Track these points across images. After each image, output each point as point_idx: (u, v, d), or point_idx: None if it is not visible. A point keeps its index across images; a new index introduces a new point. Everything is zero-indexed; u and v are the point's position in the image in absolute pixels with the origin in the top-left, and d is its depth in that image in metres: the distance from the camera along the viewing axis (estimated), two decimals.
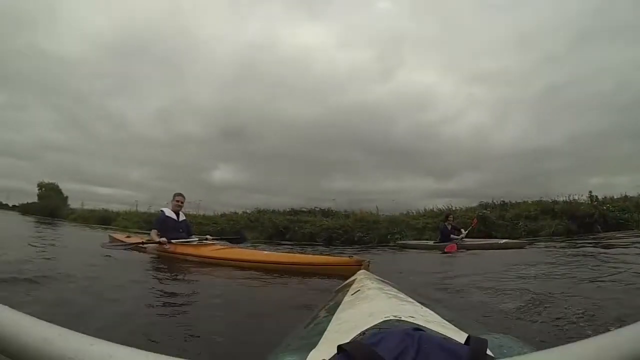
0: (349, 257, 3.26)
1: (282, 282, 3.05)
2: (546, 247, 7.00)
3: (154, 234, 4.88)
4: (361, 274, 1.64)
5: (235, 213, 16.07)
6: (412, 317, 0.65)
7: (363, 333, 0.58)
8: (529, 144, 25.03)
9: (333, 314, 0.87)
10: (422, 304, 0.87)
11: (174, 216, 4.96)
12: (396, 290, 1.14)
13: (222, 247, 4.62)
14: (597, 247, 5.73)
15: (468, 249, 7.38)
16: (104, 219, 18.41)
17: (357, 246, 9.85)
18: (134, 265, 4.08)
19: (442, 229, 8.67)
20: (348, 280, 1.57)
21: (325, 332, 0.71)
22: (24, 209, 30.47)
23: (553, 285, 2.69)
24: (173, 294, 2.46)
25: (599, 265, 3.68)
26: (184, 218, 5.12)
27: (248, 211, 15.74)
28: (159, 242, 4.65)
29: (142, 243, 4.95)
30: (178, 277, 3.28)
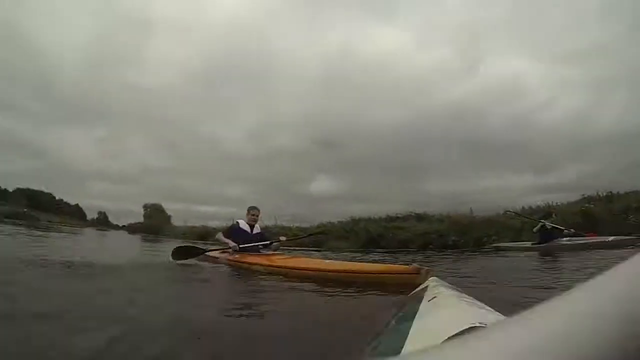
0: (408, 264, 3.08)
1: (343, 291, 2.90)
2: None
3: (221, 236, 5.06)
4: (433, 281, 1.61)
5: (331, 223, 16.29)
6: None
7: (449, 340, 0.55)
8: (633, 124, 21.49)
9: (412, 321, 0.86)
10: (498, 311, 0.85)
11: (247, 229, 5.10)
12: (471, 298, 1.12)
13: (288, 256, 4.54)
14: None
15: (569, 250, 7.02)
16: (202, 235, 19.33)
17: (450, 251, 9.69)
18: (200, 274, 4.07)
19: (539, 230, 8.32)
20: (420, 288, 1.56)
21: (407, 339, 0.70)
22: (132, 229, 34.18)
23: None
24: (232, 306, 2.33)
25: None
26: (259, 231, 5.23)
27: (343, 220, 15.99)
28: (227, 244, 4.83)
29: (208, 250, 5.08)
30: (241, 287, 3.35)
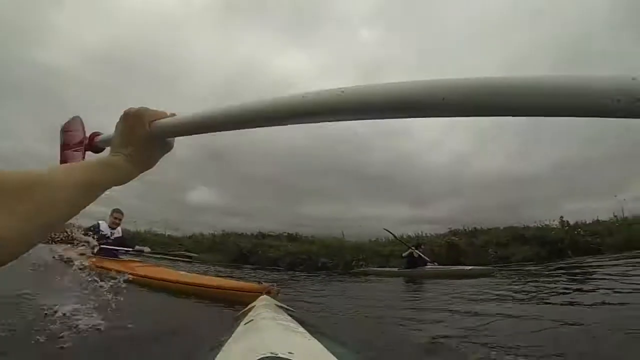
0: (259, 282, 3.23)
1: (195, 303, 3.11)
2: (515, 273, 6.75)
3: (79, 234, 4.58)
4: (261, 300, 1.56)
5: (202, 235, 15.82)
6: (292, 352, 0.63)
7: None
8: (510, 170, 24.96)
9: (221, 347, 0.84)
10: (314, 334, 0.87)
11: (108, 231, 4.99)
12: (291, 319, 1.13)
13: (146, 265, 4.61)
14: (560, 276, 5.62)
15: (432, 278, 7.05)
16: (67, 240, 17.38)
17: (318, 272, 9.53)
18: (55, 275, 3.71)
19: (408, 256, 8.44)
20: (247, 308, 1.50)
21: None
22: None
23: (485, 318, 2.62)
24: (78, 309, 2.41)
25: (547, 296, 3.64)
26: (120, 235, 5.17)
27: (215, 233, 15.51)
28: (87, 241, 4.31)
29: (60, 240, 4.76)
30: (93, 292, 3.12)
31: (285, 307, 1.51)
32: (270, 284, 3.12)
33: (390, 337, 2.28)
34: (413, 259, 8.29)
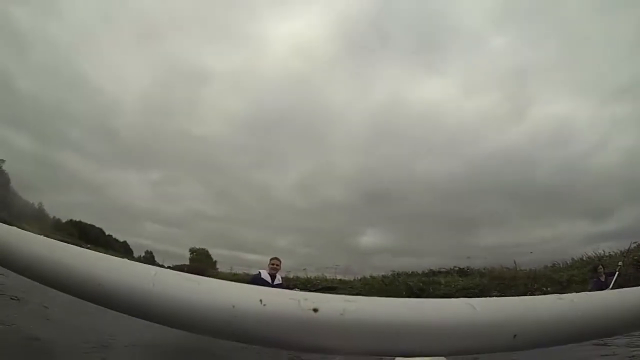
0: None
1: None
2: None
3: None
4: None
5: (372, 277, 15.80)
6: None
7: None
8: None
9: None
10: None
11: (268, 279, 5.28)
12: None
13: None
14: None
15: None
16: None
17: None
18: None
19: (592, 284, 7.63)
20: None
21: None
22: (176, 270, 36.12)
23: None
24: None
25: None
26: (280, 282, 5.48)
27: (385, 275, 15.61)
28: None
29: None
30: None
31: None
32: None
33: None
34: (598, 284, 7.35)
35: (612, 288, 6.72)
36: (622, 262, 7.42)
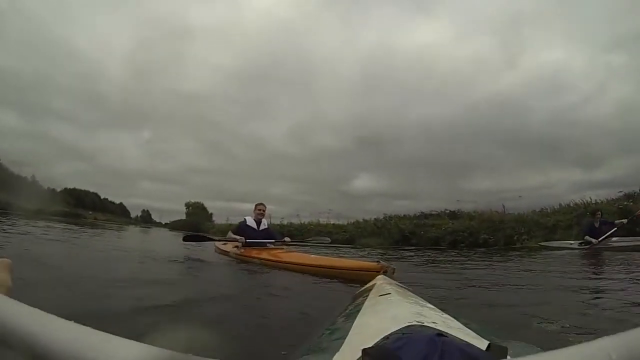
0: (377, 262, 3.30)
1: (321, 283, 3.33)
2: None
3: (230, 234, 5.43)
4: (380, 279, 1.63)
5: (365, 220, 16.32)
6: (435, 322, 0.67)
7: (386, 338, 0.58)
8: None
9: (354, 319, 0.88)
10: (443, 310, 0.88)
11: (254, 225, 5.38)
12: (417, 297, 1.16)
13: (284, 251, 5.01)
14: None
15: (614, 251, 6.51)
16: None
17: (480, 249, 9.45)
18: (204, 263, 4.80)
19: (585, 225, 7.83)
20: (367, 285, 1.58)
21: (348, 336, 0.72)
22: (173, 226, 34.04)
23: None
24: (210, 291, 2.84)
25: None
26: (266, 227, 5.51)
27: (377, 217, 15.99)
28: (235, 239, 5.19)
29: (219, 240, 5.94)
30: (231, 276, 3.96)
31: (404, 286, 1.55)
32: (387, 263, 3.30)
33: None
34: (592, 227, 7.63)
35: (605, 238, 6.83)
36: (627, 219, 7.57)
